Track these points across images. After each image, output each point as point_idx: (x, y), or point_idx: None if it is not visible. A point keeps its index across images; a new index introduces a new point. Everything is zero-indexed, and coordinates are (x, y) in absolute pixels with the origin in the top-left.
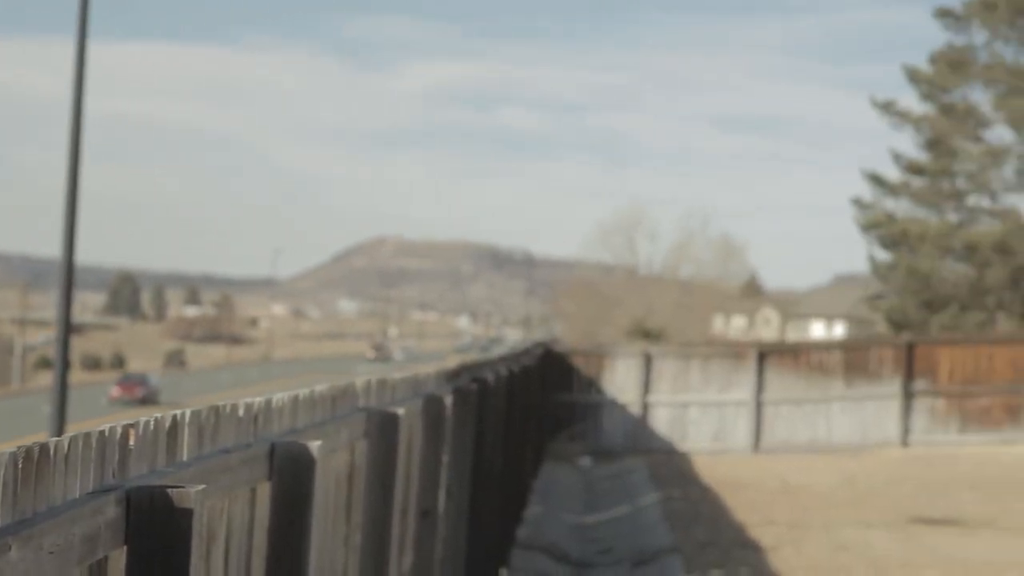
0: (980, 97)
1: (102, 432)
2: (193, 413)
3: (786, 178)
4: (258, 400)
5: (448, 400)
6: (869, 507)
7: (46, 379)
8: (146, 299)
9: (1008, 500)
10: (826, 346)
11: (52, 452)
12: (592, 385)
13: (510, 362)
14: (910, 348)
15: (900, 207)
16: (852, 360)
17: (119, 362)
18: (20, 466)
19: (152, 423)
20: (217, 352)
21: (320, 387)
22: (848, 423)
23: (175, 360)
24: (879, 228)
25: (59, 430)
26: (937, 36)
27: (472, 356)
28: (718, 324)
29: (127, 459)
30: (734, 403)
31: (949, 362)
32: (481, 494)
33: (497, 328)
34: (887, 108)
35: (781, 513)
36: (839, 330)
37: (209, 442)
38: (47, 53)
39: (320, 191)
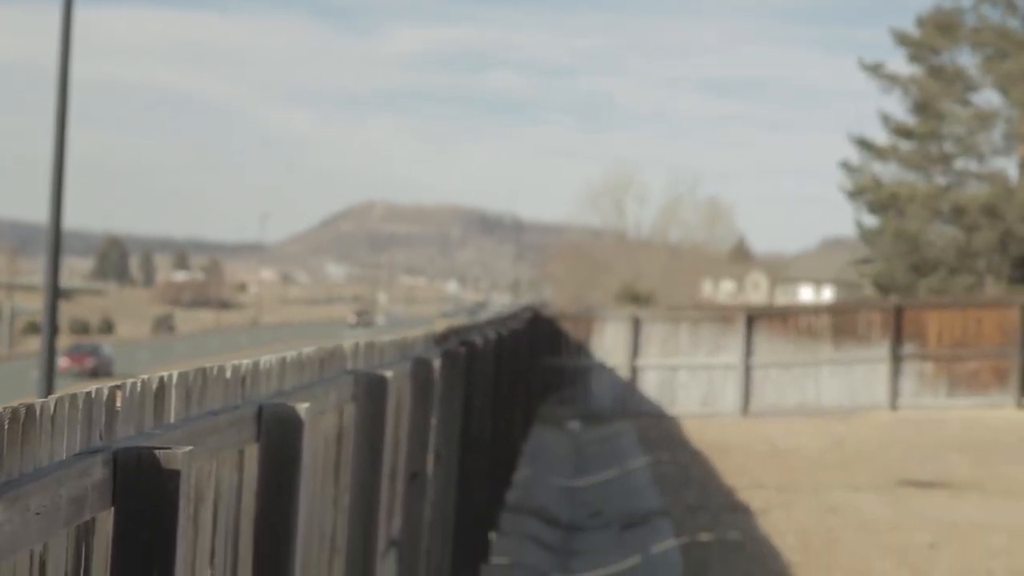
0: (968, 60)
1: (88, 394)
2: (180, 375)
3: (773, 142)
4: (245, 362)
5: (436, 363)
6: (858, 470)
7: (34, 344)
8: (134, 264)
9: (996, 463)
10: (814, 310)
11: (38, 413)
12: (581, 349)
13: (498, 326)
14: (898, 312)
15: (888, 171)
16: (841, 324)
17: (107, 327)
18: (6, 427)
19: (139, 385)
20: (206, 317)
21: (308, 350)
22: (837, 387)
23: (164, 325)
24: (867, 192)
25: (47, 396)
26: None
27: (458, 321)
28: (707, 288)
29: (114, 421)
30: (723, 367)
31: (937, 326)
32: (470, 457)
33: (485, 292)
34: (875, 70)
35: (770, 476)
36: (828, 294)
37: (196, 404)
38: (33, 17)
39: (308, 156)
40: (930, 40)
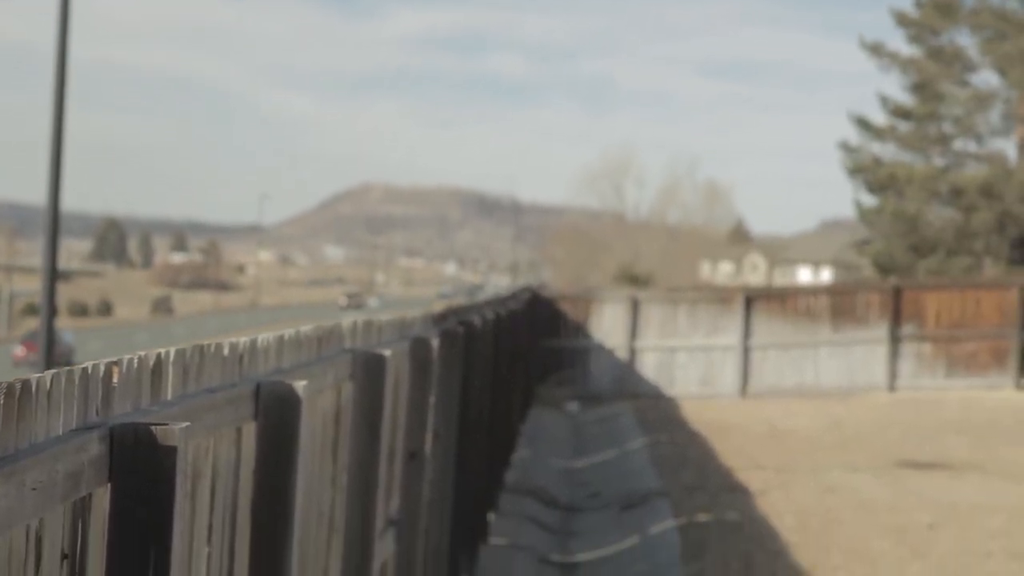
0: (967, 41)
1: (85, 369)
2: (177, 352)
3: (773, 124)
4: (243, 340)
5: (435, 343)
6: (856, 451)
7: (33, 326)
8: (133, 246)
9: (995, 444)
10: (813, 291)
11: (34, 389)
12: (580, 330)
13: (497, 306)
14: (897, 293)
15: (887, 151)
16: (839, 305)
17: (106, 308)
18: (1, 403)
19: (136, 361)
20: (204, 299)
21: (305, 328)
22: (835, 368)
23: (162, 307)
24: (866, 172)
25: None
26: None
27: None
28: (705, 270)
29: (111, 397)
30: (721, 348)
31: (936, 307)
32: (469, 438)
33: (484, 274)
34: (875, 50)
35: (769, 457)
36: (826, 275)
37: (194, 382)
38: None
39: (306, 138)
40: (930, 21)
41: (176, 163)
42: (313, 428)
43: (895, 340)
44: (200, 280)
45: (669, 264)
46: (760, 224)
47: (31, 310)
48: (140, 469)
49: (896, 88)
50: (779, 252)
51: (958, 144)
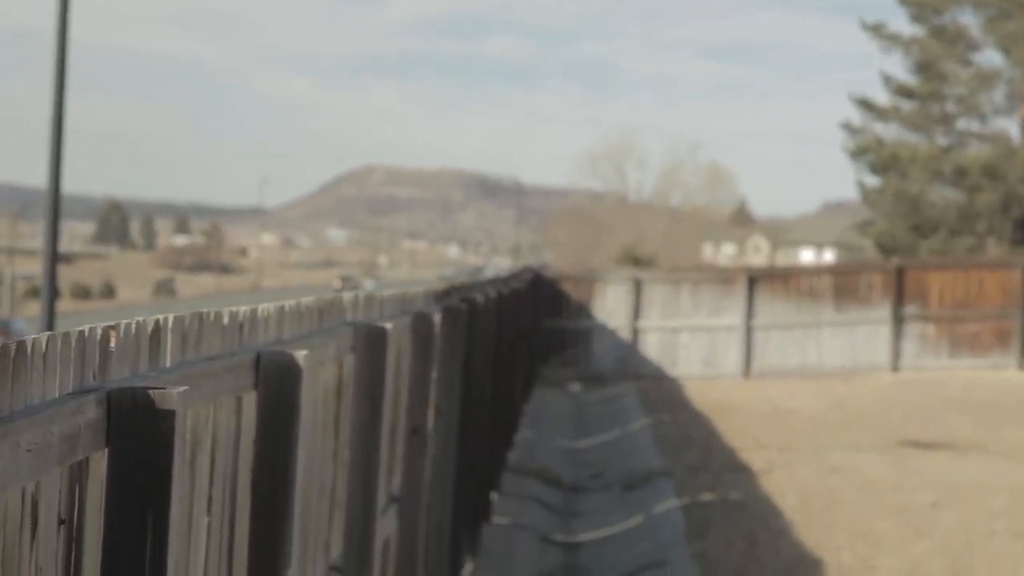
0: (970, 20)
1: (82, 332)
2: (176, 319)
3: (775, 106)
4: (243, 309)
5: (437, 318)
6: (860, 431)
7: (35, 308)
8: (135, 228)
9: (998, 424)
10: (816, 271)
11: (29, 351)
12: (582, 311)
13: (500, 285)
14: (900, 273)
15: (889, 131)
16: (842, 285)
17: (109, 291)
18: None
19: (134, 326)
20: (207, 281)
21: (306, 299)
22: (838, 348)
23: (165, 289)
24: (868, 153)
25: None
26: None
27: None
28: (708, 252)
29: (108, 362)
30: (724, 328)
31: (939, 287)
32: (471, 416)
33: (486, 257)
34: (877, 31)
35: (772, 437)
36: (829, 257)
37: (193, 349)
38: None
39: (308, 120)
40: (932, 0)
41: (179, 146)
42: (314, 401)
43: (898, 320)
44: (202, 263)
45: (672, 246)
46: (763, 206)
47: (33, 293)
48: (138, 433)
49: (898, 69)
50: (782, 234)
51: (961, 124)
